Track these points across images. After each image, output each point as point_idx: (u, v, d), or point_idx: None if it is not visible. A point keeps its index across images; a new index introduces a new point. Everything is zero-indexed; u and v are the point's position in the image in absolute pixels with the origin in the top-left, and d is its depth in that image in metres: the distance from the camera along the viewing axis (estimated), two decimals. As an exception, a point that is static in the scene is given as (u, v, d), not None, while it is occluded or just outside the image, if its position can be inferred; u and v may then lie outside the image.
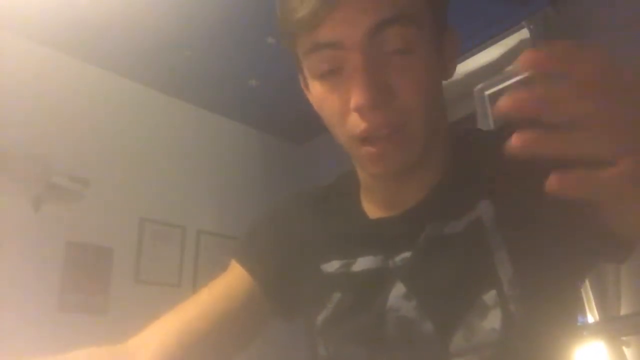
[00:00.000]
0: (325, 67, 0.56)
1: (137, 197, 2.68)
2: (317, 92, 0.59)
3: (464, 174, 0.63)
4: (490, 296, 0.56)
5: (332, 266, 0.66)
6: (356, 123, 0.56)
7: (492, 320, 0.55)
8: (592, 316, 1.85)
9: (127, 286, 2.51)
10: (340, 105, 0.57)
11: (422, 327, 0.58)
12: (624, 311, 1.79)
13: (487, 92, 2.59)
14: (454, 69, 0.64)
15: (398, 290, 0.60)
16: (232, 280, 0.70)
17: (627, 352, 1.65)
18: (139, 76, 2.78)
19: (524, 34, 2.31)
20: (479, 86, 2.58)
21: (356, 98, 0.53)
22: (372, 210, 0.68)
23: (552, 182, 0.33)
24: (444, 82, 0.63)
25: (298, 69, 0.64)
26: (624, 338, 1.63)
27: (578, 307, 0.61)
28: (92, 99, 2.65)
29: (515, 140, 0.33)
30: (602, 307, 1.82)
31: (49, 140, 2.44)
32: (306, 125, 3.23)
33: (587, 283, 1.87)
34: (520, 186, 0.57)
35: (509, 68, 2.53)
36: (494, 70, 2.54)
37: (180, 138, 2.96)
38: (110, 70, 2.71)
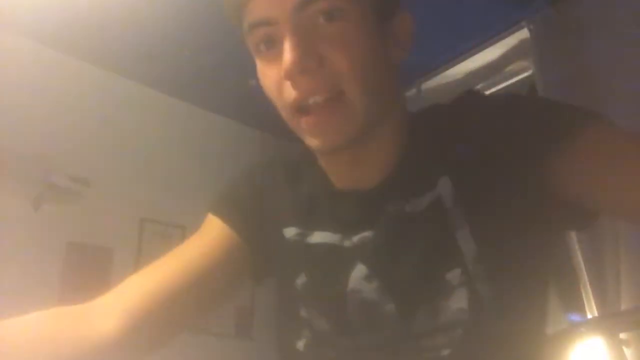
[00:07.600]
0: (262, 44, 0.58)
1: (138, 197, 2.68)
2: (259, 69, 0.61)
3: (425, 151, 0.61)
4: (454, 275, 0.55)
5: (290, 232, 0.66)
6: (289, 91, 0.57)
7: (458, 300, 0.54)
8: (590, 313, 1.85)
9: (127, 286, 2.51)
10: (276, 77, 0.58)
11: (384, 309, 0.57)
12: (624, 307, 1.78)
13: (487, 92, 2.60)
14: (407, 51, 0.63)
15: (359, 271, 0.60)
16: (210, 237, 0.70)
17: (627, 352, 1.65)
18: (139, 76, 2.78)
19: (524, 34, 2.31)
20: (479, 86, 2.58)
21: (284, 64, 0.55)
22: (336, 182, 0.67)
23: None
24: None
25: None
26: (623, 336, 1.63)
27: (548, 286, 0.60)
28: (92, 99, 2.64)
29: None
30: (601, 303, 1.82)
31: (49, 140, 2.44)
32: (306, 125, 3.23)
33: (586, 279, 1.87)
34: (481, 158, 0.57)
35: (509, 68, 2.53)
36: (494, 70, 2.54)
37: (180, 138, 2.96)
38: (110, 70, 2.71)
